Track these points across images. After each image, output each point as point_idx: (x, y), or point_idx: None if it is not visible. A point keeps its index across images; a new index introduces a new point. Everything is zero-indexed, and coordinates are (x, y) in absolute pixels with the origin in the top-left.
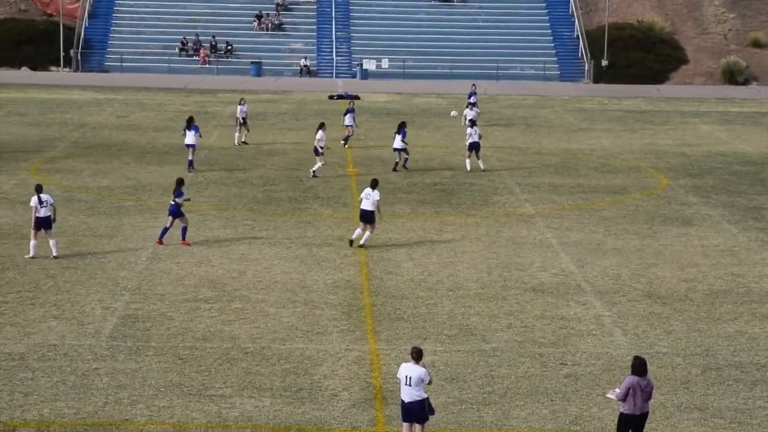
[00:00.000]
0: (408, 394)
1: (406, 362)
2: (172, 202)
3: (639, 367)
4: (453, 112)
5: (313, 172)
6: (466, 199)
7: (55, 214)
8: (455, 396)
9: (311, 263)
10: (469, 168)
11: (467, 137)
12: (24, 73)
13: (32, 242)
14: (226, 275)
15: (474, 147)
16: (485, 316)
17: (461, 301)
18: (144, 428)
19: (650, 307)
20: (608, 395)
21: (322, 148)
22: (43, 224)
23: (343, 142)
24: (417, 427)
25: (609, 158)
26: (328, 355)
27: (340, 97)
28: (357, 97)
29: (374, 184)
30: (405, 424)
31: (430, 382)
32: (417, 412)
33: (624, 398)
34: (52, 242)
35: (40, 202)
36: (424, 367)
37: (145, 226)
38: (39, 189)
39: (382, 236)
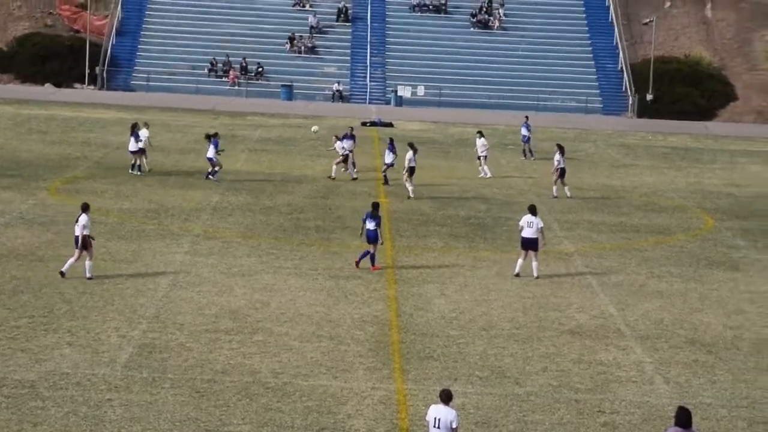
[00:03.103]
0: None
1: (435, 404)
2: (371, 228)
3: (683, 418)
4: (314, 128)
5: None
6: (502, 234)
7: (87, 238)
8: None
9: (338, 296)
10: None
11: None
12: (47, 90)
13: (71, 259)
14: (248, 306)
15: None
16: (519, 357)
17: (494, 341)
18: None
19: (694, 355)
20: None
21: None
22: (76, 243)
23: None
24: None
25: (653, 196)
26: (353, 393)
27: (373, 123)
28: (390, 125)
29: (534, 211)
30: None
31: (456, 430)
32: None
33: None
34: (74, 261)
35: (77, 221)
36: (455, 409)
37: (166, 251)
38: (83, 208)
39: (412, 271)
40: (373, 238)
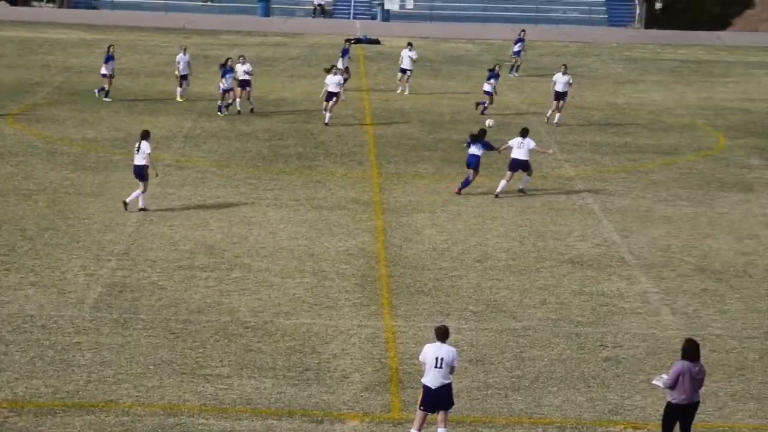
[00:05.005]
0: (437, 379)
1: (430, 343)
2: (475, 153)
3: (691, 351)
4: (489, 122)
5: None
6: (498, 158)
7: (148, 168)
8: (481, 380)
9: (321, 228)
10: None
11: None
12: (1, 9)
13: (135, 191)
14: (225, 240)
15: None
16: (516, 290)
17: (489, 273)
18: (130, 410)
19: (703, 283)
20: (654, 382)
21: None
22: (135, 173)
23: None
24: (441, 414)
25: (660, 114)
26: (338, 331)
27: (358, 41)
28: (377, 42)
29: (525, 133)
30: (422, 413)
31: (454, 369)
32: (445, 398)
33: (673, 386)
34: (140, 193)
35: (137, 149)
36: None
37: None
38: (142, 135)
39: (401, 200)
40: (474, 164)
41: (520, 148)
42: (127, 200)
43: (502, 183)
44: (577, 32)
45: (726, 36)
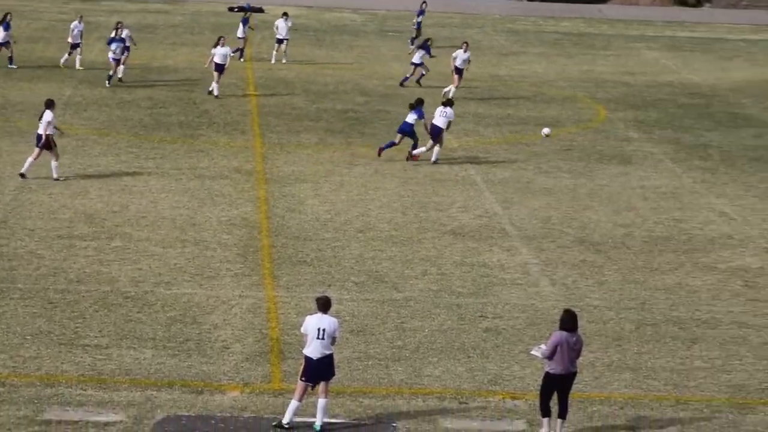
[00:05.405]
0: (318, 350)
1: (311, 314)
2: (408, 121)
3: (568, 321)
4: (545, 130)
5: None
6: (381, 128)
7: (51, 137)
8: (361, 350)
9: (203, 197)
10: None
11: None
12: None
13: (29, 158)
14: (105, 209)
15: None
16: (398, 261)
17: (371, 244)
18: (6, 381)
19: (582, 255)
20: (533, 352)
21: None
22: (36, 141)
23: (239, 56)
24: (322, 384)
25: (542, 86)
26: (219, 301)
27: (241, 9)
28: (260, 10)
29: (449, 104)
30: (303, 384)
31: (334, 341)
32: (326, 369)
33: (551, 356)
34: (54, 162)
35: (40, 118)
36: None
37: (12, 150)
38: (47, 104)
39: (284, 170)
40: (408, 131)
41: (441, 117)
42: (54, 175)
43: (422, 149)
44: (461, 3)
45: (607, 9)
